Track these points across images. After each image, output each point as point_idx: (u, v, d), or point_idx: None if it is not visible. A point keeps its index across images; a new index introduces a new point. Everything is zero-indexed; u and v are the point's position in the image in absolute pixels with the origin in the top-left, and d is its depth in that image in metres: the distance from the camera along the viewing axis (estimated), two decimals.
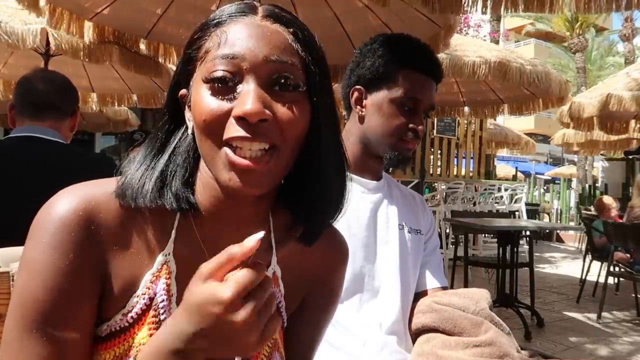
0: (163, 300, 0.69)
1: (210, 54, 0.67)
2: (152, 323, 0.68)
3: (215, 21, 0.69)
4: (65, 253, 0.64)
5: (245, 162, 0.63)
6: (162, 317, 0.68)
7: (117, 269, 0.68)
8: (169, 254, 0.70)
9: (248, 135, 0.63)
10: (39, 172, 1.72)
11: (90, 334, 0.67)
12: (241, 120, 0.63)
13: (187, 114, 0.71)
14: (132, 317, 0.68)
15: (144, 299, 0.68)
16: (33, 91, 1.86)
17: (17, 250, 0.84)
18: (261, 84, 0.65)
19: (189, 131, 0.71)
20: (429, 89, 1.37)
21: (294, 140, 0.67)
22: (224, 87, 0.65)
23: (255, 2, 0.72)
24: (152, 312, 0.68)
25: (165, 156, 0.71)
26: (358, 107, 1.40)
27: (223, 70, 0.65)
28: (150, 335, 0.67)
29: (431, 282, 1.44)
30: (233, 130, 0.63)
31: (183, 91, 0.72)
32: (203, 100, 0.65)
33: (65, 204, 0.67)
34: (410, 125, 1.35)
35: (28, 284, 0.64)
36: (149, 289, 0.69)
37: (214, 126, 0.64)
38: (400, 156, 1.38)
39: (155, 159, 0.71)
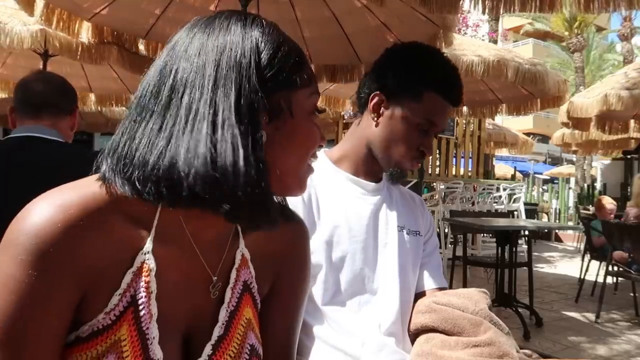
0: (142, 298, 0.70)
1: (308, 89, 0.77)
2: (132, 319, 0.69)
3: (298, 55, 0.77)
4: (42, 270, 0.63)
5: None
6: (141, 314, 0.69)
7: (99, 273, 0.68)
8: (148, 252, 0.71)
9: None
10: (38, 172, 1.72)
11: (60, 345, 0.67)
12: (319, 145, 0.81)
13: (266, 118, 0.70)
14: (114, 314, 0.68)
15: (125, 297, 0.69)
16: (31, 92, 1.89)
17: None
18: None
19: (264, 137, 0.69)
20: (445, 115, 1.38)
21: None
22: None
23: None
24: (132, 309, 0.69)
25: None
26: (375, 113, 1.38)
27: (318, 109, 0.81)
28: (130, 331, 0.68)
29: (430, 283, 1.44)
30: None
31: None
32: (315, 129, 0.79)
33: (41, 214, 0.65)
34: (421, 147, 1.36)
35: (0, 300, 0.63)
36: (129, 286, 0.69)
37: (315, 149, 0.80)
38: (400, 172, 1.40)
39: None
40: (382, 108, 1.37)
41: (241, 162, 0.64)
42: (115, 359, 0.67)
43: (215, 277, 0.78)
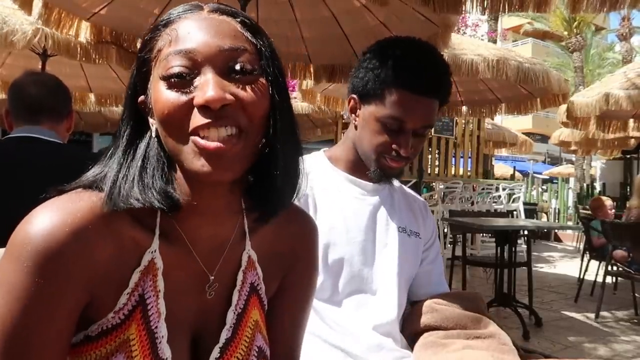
0: (150, 296, 0.70)
1: (163, 52, 0.68)
2: (140, 319, 0.69)
3: (164, 21, 0.71)
4: (50, 277, 0.62)
5: (215, 144, 0.64)
6: (149, 313, 0.70)
7: (107, 275, 0.67)
8: (155, 250, 0.71)
9: (213, 122, 0.64)
10: (36, 173, 1.72)
11: (65, 348, 0.66)
12: (204, 109, 0.64)
13: (151, 120, 0.71)
14: (123, 313, 0.68)
15: (134, 296, 0.69)
16: (27, 96, 1.86)
17: None
18: (218, 73, 0.66)
19: (153, 134, 0.71)
20: (420, 109, 1.27)
21: (258, 120, 0.68)
22: (181, 81, 0.65)
23: (199, 2, 0.74)
24: (140, 308, 0.69)
25: (139, 162, 0.70)
26: (353, 115, 1.38)
27: (179, 66, 0.65)
28: (139, 330, 0.68)
29: (434, 290, 1.44)
30: (198, 119, 0.64)
31: (141, 98, 0.72)
32: (162, 96, 0.66)
33: (48, 219, 0.64)
34: (394, 146, 1.29)
35: (5, 308, 0.61)
36: (137, 285, 0.70)
37: (176, 119, 0.65)
38: (382, 173, 1.34)
39: (131, 166, 0.70)
40: (357, 110, 1.37)
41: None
42: (124, 358, 0.67)
43: (212, 277, 0.77)
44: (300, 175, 0.78)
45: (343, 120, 8.14)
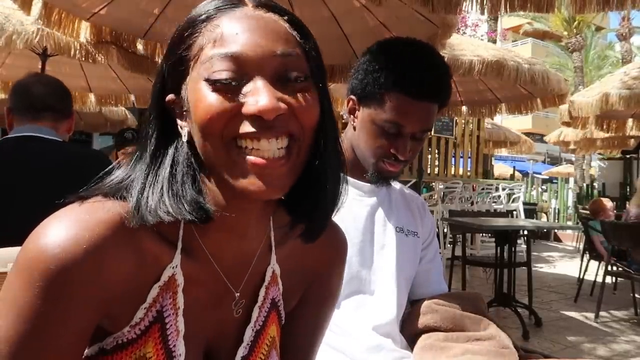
0: (169, 314, 0.66)
1: (205, 52, 0.62)
2: (159, 337, 0.66)
3: (203, 16, 0.64)
4: (62, 299, 0.57)
5: (265, 161, 0.60)
6: (168, 332, 0.66)
7: (125, 289, 0.63)
8: (176, 266, 0.67)
9: (262, 131, 0.59)
10: (34, 173, 1.73)
11: None
12: (255, 118, 0.59)
13: (180, 122, 0.66)
14: (139, 329, 0.65)
15: (151, 311, 0.65)
16: (31, 95, 1.89)
17: (14, 251, 0.81)
18: (269, 80, 0.61)
19: (185, 139, 0.65)
20: (418, 113, 1.27)
21: (310, 130, 0.64)
22: (229, 86, 0.60)
23: None
24: (158, 325, 0.66)
25: (167, 169, 0.64)
26: (351, 116, 1.37)
27: (226, 71, 0.60)
28: (157, 349, 0.65)
29: (433, 289, 1.44)
30: (246, 127, 0.59)
31: (170, 96, 0.66)
32: (206, 99, 0.60)
33: (62, 234, 0.58)
34: (392, 150, 1.28)
35: (12, 327, 0.57)
36: (155, 301, 0.65)
37: (220, 126, 0.59)
38: (380, 176, 1.34)
39: (159, 173, 0.65)
40: (356, 111, 1.36)
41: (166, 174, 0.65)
42: None
43: (238, 294, 0.74)
44: (341, 187, 0.73)
45: (343, 121, 8.14)
